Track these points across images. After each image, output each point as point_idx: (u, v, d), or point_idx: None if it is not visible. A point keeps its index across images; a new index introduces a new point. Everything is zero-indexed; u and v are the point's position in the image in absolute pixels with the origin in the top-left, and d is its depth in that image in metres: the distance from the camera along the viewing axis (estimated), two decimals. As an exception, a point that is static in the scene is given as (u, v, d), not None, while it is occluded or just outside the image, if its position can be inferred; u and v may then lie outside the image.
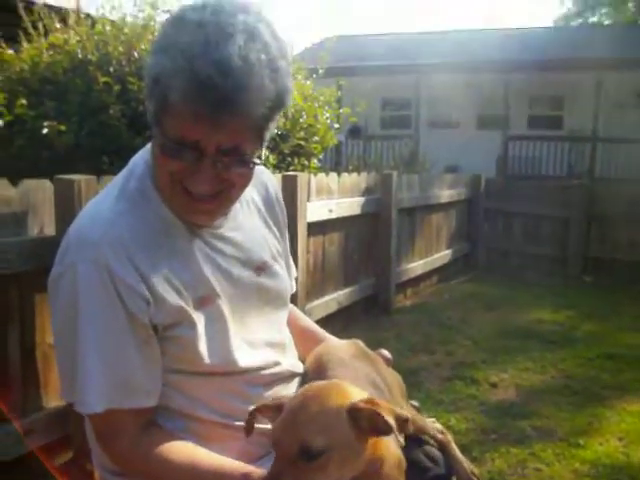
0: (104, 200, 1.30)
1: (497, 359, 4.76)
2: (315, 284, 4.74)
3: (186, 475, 1.22)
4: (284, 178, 3.95)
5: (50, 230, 2.69)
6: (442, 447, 1.59)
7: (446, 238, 7.78)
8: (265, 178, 1.56)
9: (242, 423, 1.26)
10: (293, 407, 1.12)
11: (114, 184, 1.34)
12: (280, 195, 1.60)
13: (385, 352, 1.62)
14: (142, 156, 1.36)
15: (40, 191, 2.66)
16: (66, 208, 2.61)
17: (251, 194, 1.48)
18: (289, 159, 4.83)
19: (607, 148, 15.05)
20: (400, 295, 6.45)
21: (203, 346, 1.27)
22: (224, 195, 1.26)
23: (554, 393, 4.12)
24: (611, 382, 4.31)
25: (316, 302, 4.68)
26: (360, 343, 1.54)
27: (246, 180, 1.27)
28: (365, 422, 1.08)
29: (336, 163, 10.65)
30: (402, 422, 1.09)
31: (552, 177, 14.64)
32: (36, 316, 2.67)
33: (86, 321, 1.19)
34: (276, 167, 4.62)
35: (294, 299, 1.55)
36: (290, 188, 3.95)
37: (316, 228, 4.62)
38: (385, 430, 1.08)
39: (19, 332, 2.61)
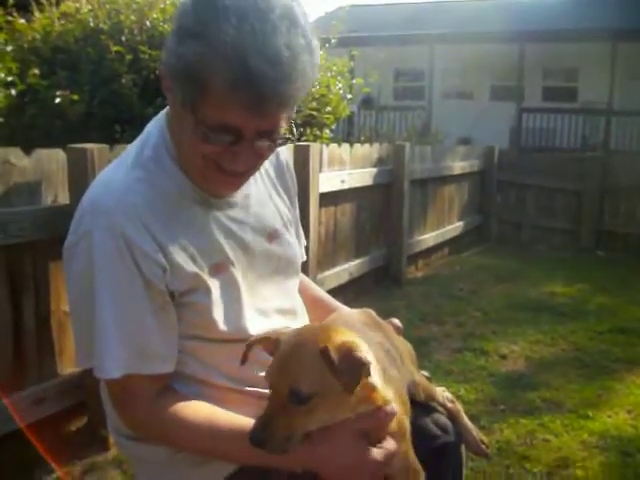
0: (118, 168, 1.31)
1: (507, 331, 4.77)
2: (327, 254, 4.75)
3: (203, 433, 1.24)
4: (296, 148, 3.94)
5: (64, 199, 2.71)
6: (452, 416, 1.60)
7: (458, 210, 7.76)
8: None
9: (255, 389, 1.28)
10: (284, 350, 1.14)
11: (128, 153, 1.34)
12: (291, 163, 1.60)
13: (396, 321, 1.63)
14: (156, 125, 1.36)
15: (53, 160, 2.67)
16: (79, 177, 2.63)
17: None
18: (301, 129, 4.82)
19: (622, 121, 14.88)
20: (411, 267, 6.46)
21: (218, 312, 1.28)
22: (253, 169, 1.30)
23: (564, 365, 4.13)
24: (621, 355, 4.31)
25: (327, 272, 4.70)
26: (372, 312, 1.55)
27: (272, 152, 1.31)
28: (342, 364, 1.08)
29: (348, 134, 10.59)
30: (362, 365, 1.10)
31: (566, 149, 14.52)
32: (51, 284, 2.71)
33: (102, 288, 1.20)
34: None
35: (305, 269, 1.56)
36: (302, 158, 3.94)
37: (328, 199, 4.62)
38: (359, 367, 1.08)
39: (34, 300, 2.65)
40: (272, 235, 1.45)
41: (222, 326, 1.29)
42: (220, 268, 1.31)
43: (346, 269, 5.03)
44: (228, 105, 1.13)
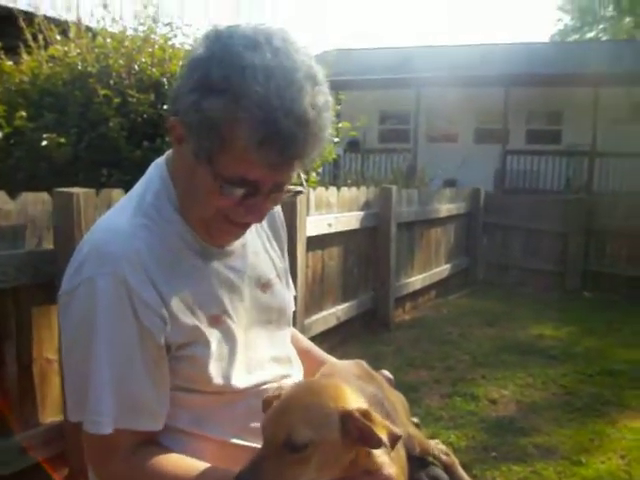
0: (120, 214, 1.28)
1: (497, 375, 4.73)
2: (314, 299, 4.71)
3: None
4: (284, 192, 3.92)
5: (48, 243, 2.67)
6: (447, 469, 1.56)
7: (445, 252, 7.76)
8: None
9: (253, 444, 1.24)
10: (289, 396, 1.13)
11: (129, 198, 1.32)
12: (281, 212, 1.58)
13: (386, 372, 1.60)
14: (156, 171, 1.34)
15: (39, 204, 2.63)
16: (65, 221, 2.59)
17: None
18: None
19: (605, 162, 15.08)
20: (399, 309, 6.42)
21: (214, 366, 1.25)
22: (260, 220, 1.31)
23: (555, 409, 4.10)
24: (612, 398, 4.29)
25: (315, 317, 4.66)
26: (364, 364, 1.52)
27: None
28: (355, 431, 1.08)
29: (334, 176, 10.64)
30: (394, 439, 1.09)
31: (550, 191, 14.66)
32: (33, 331, 2.64)
33: (101, 337, 1.17)
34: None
35: (292, 314, 1.53)
36: (289, 202, 3.93)
37: (315, 242, 4.61)
38: (374, 445, 1.08)
39: (16, 347, 2.58)
40: (266, 285, 1.43)
41: (216, 380, 1.26)
42: (217, 320, 1.29)
43: (333, 313, 4.98)
44: (251, 161, 1.13)
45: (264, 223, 1.49)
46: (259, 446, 1.11)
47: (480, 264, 8.61)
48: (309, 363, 1.58)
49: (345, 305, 5.22)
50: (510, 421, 3.89)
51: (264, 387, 1.35)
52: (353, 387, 1.21)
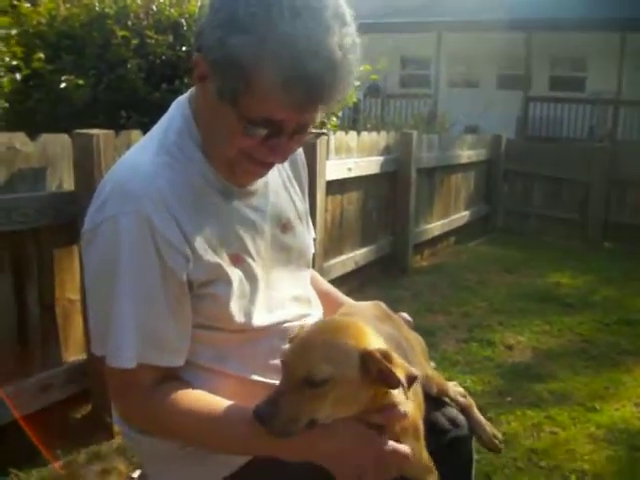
0: (143, 152, 1.27)
1: (514, 322, 4.74)
2: (332, 243, 4.72)
3: (200, 418, 1.20)
4: (303, 136, 3.89)
5: (69, 185, 2.68)
6: (464, 411, 1.58)
7: (464, 199, 7.71)
8: None
9: (272, 381, 1.25)
10: (310, 333, 1.15)
11: (151, 137, 1.31)
12: (302, 154, 1.57)
13: (405, 315, 1.60)
14: (178, 110, 1.32)
15: (59, 146, 2.64)
16: (85, 163, 2.60)
17: None
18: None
19: (630, 111, 14.75)
20: (417, 256, 6.42)
21: (235, 304, 1.26)
22: (283, 160, 1.29)
23: (571, 357, 4.11)
24: (629, 347, 4.29)
25: (333, 261, 4.68)
26: (382, 305, 1.53)
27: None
28: (374, 371, 1.09)
29: (354, 121, 10.49)
30: (412, 380, 1.11)
31: (572, 139, 14.42)
32: (55, 272, 2.68)
33: (125, 275, 1.17)
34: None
35: (312, 257, 1.53)
36: (309, 145, 3.90)
37: (335, 187, 4.59)
38: (392, 385, 1.10)
39: (38, 288, 2.62)
40: (286, 226, 1.42)
41: (238, 318, 1.27)
42: (239, 259, 1.29)
43: (352, 257, 5.00)
44: (276, 101, 1.11)
45: (285, 163, 1.48)
46: (278, 383, 1.13)
47: (500, 211, 8.54)
48: (328, 305, 1.58)
49: (364, 250, 5.23)
50: (526, 367, 3.91)
51: (285, 326, 1.36)
52: (373, 328, 1.22)
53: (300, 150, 1.53)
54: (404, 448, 1.18)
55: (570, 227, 8.08)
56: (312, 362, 1.08)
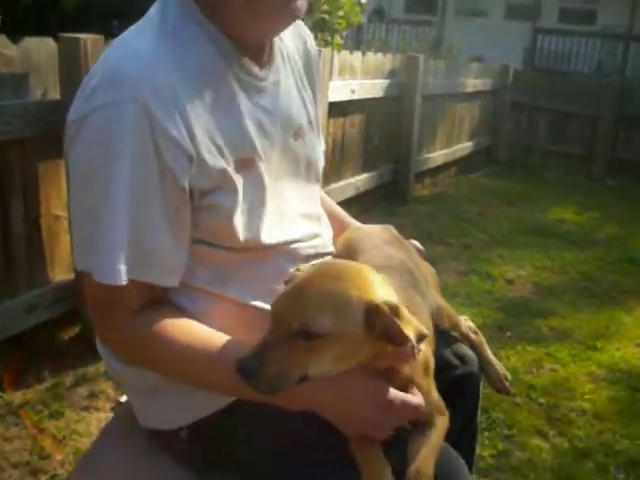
0: (140, 34, 1.09)
1: (515, 255, 4.64)
2: (333, 167, 4.56)
3: (186, 353, 1.06)
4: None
5: (54, 94, 2.50)
6: (474, 348, 1.47)
7: (468, 129, 7.48)
8: (304, 33, 1.38)
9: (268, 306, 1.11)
10: (309, 277, 0.98)
11: (147, 19, 1.13)
12: (317, 53, 1.40)
13: (417, 243, 1.47)
14: None
15: (43, 51, 2.45)
16: (72, 70, 2.42)
17: (291, 49, 1.30)
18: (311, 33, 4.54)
19: (640, 47, 14.39)
20: (418, 184, 6.26)
21: (239, 217, 1.10)
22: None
23: (572, 294, 4.03)
24: (631, 287, 4.21)
25: (333, 185, 4.54)
26: (393, 229, 1.39)
27: None
28: (380, 327, 0.95)
29: (357, 43, 10.16)
30: (421, 339, 0.97)
31: (580, 74, 14.08)
32: (40, 186, 2.53)
33: (118, 174, 1.00)
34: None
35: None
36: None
37: (337, 108, 4.40)
38: (400, 343, 0.95)
39: (22, 203, 2.48)
40: (298, 132, 1.25)
41: (244, 233, 1.11)
42: (247, 164, 1.12)
43: (352, 183, 4.85)
44: None
45: (298, 61, 1.32)
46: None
47: (504, 144, 8.33)
48: (335, 225, 1.43)
49: (364, 176, 5.08)
50: (526, 302, 3.83)
51: (294, 246, 1.21)
52: (384, 258, 1.08)
53: (314, 45, 1.38)
54: (415, 400, 1.05)
55: (575, 162, 7.89)
56: (309, 312, 0.93)
